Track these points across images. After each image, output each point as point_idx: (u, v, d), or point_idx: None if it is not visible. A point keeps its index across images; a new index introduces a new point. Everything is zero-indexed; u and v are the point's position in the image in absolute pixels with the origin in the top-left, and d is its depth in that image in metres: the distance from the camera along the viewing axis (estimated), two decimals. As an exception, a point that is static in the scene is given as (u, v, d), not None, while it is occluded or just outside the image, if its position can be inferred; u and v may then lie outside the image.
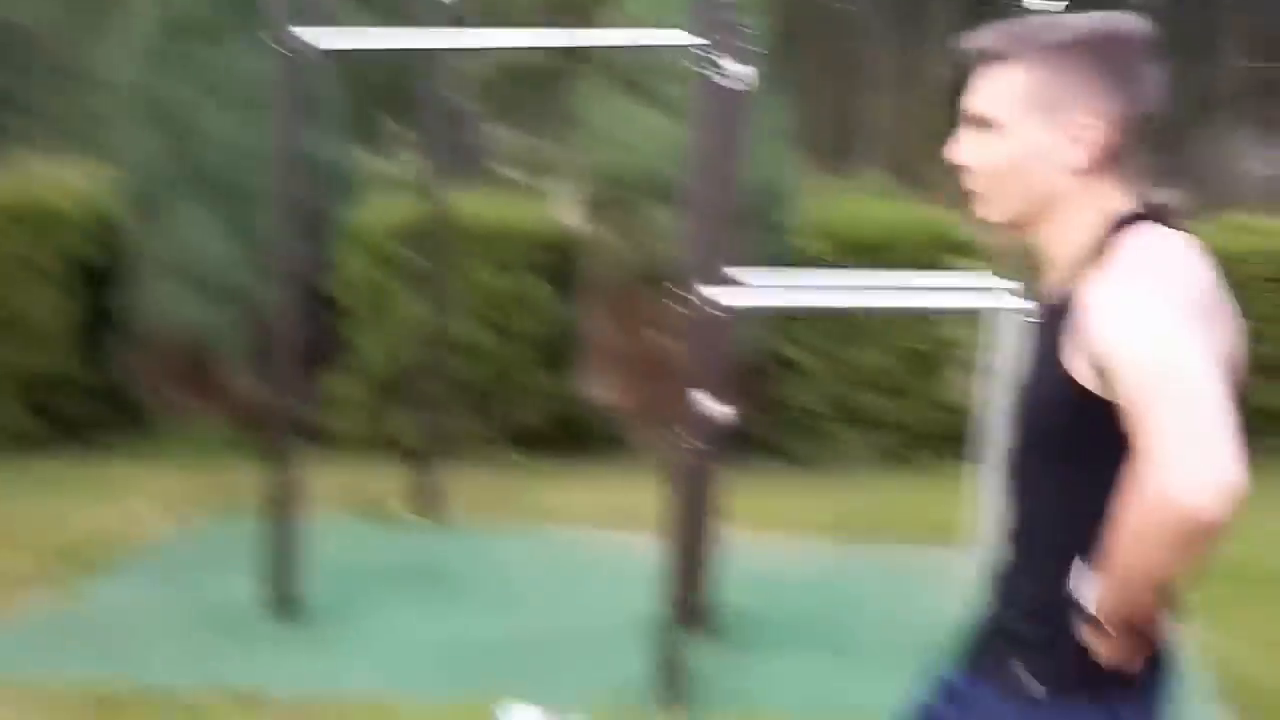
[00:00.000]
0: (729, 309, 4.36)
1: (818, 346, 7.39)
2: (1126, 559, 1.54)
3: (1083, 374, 1.61)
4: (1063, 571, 1.67)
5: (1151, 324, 1.54)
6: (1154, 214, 1.69)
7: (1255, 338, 2.02)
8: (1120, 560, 1.55)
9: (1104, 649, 1.64)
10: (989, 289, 4.63)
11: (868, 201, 7.96)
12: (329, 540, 5.23)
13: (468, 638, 4.79)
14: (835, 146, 15.89)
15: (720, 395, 4.28)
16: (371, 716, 4.06)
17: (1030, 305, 3.94)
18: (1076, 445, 1.66)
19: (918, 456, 7.35)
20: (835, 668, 4.54)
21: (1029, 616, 1.75)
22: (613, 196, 7.24)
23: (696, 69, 4.15)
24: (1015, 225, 1.79)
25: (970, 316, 7.22)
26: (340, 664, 4.51)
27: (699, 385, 4.23)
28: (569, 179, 8.18)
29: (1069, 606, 1.66)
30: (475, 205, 7.33)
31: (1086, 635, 1.64)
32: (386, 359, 7.26)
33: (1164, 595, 1.61)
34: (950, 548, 5.72)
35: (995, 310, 4.58)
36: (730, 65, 4.19)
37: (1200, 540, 1.48)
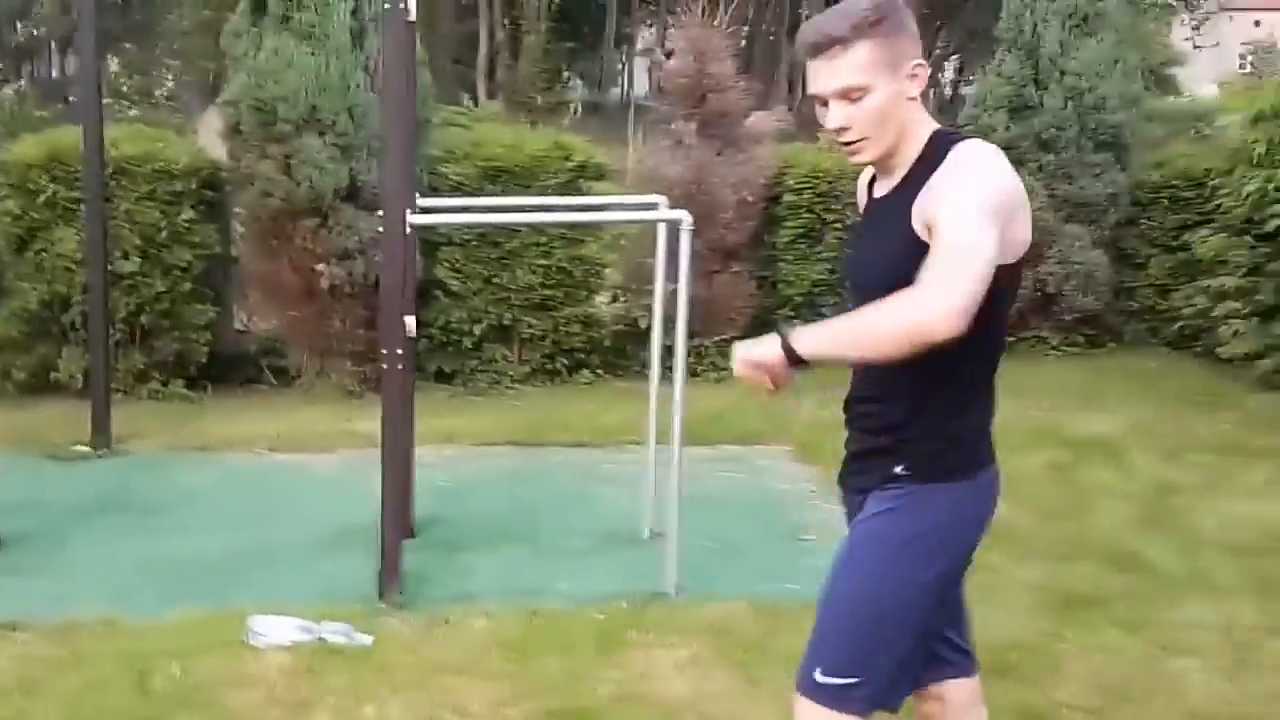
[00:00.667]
0: (425, 229, 4.58)
1: (471, 271, 7.72)
2: (864, 332, 2.13)
3: (921, 233, 2.18)
4: (903, 403, 2.32)
5: (969, 203, 2.12)
6: (948, 130, 2.32)
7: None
8: (860, 329, 2.14)
9: (779, 359, 2.21)
10: (655, 205, 5.15)
11: (503, 130, 8.34)
12: (8, 479, 5.14)
13: (179, 557, 4.86)
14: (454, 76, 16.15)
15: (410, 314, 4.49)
16: (103, 633, 4.06)
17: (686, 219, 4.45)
18: None
19: (564, 370, 7.93)
20: (528, 560, 4.92)
21: (894, 431, 2.35)
22: (261, 128, 7.21)
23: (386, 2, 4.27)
24: (886, 155, 2.31)
25: (612, 237, 7.87)
26: (54, 589, 4.50)
27: (398, 305, 4.40)
28: (215, 111, 8.05)
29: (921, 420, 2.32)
30: (122, 138, 7.17)
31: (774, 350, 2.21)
32: (43, 297, 7.03)
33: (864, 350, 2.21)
34: (616, 450, 6.33)
35: (666, 223, 5.03)
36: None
37: (912, 348, 2.07)
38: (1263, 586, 4.56)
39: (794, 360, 2.20)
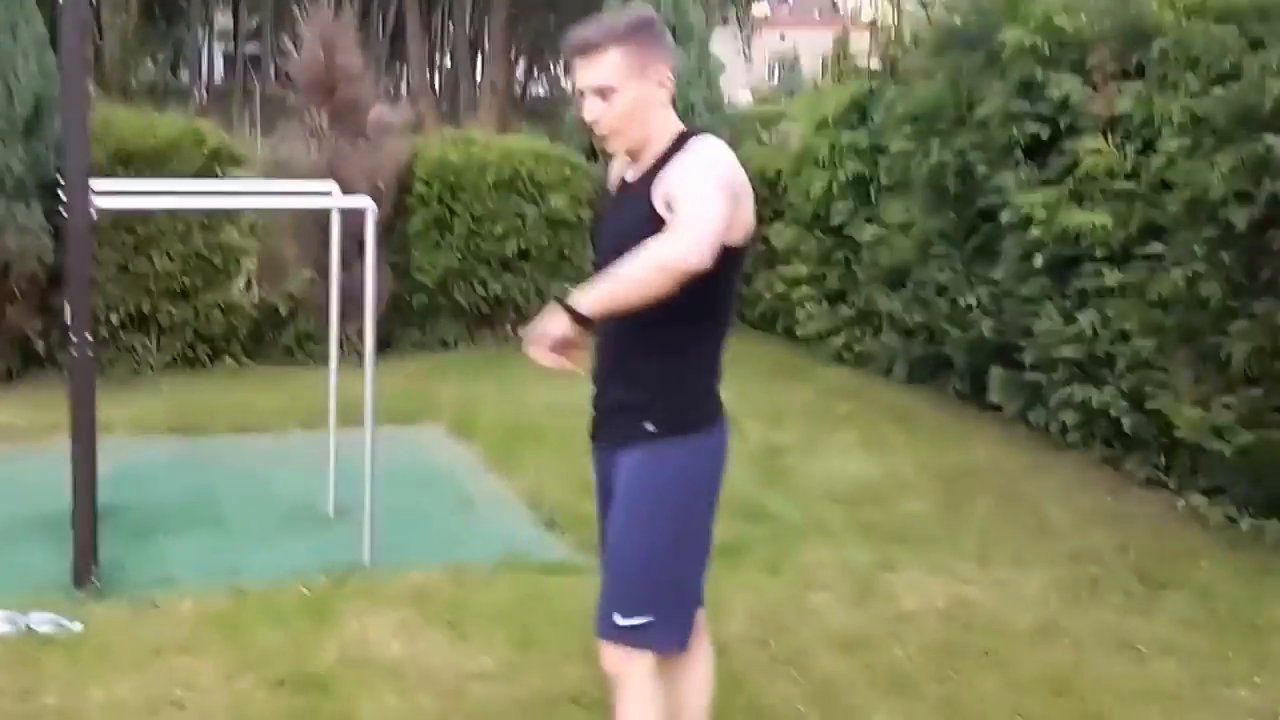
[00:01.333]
0: (106, 213, 4.52)
1: (105, 257, 7.45)
2: (630, 277, 2.45)
3: (660, 209, 2.55)
4: (651, 367, 2.67)
5: (701, 175, 2.53)
6: (691, 129, 2.72)
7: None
8: (626, 277, 2.45)
9: (566, 324, 2.51)
10: (323, 192, 5.29)
11: (131, 114, 8.04)
12: None
13: None
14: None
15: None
16: None
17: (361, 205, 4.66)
18: None
19: (206, 357, 7.87)
20: (220, 541, 5.01)
21: (640, 392, 2.71)
22: None
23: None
24: (633, 148, 2.69)
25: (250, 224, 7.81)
26: None
27: (86, 292, 4.42)
28: None
29: (656, 374, 2.67)
30: None
31: (560, 318, 2.51)
32: None
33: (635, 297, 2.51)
34: (280, 434, 6.39)
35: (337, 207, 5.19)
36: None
37: (672, 280, 2.41)
38: (866, 530, 5.32)
39: (580, 321, 2.51)
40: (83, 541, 4.36)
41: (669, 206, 2.52)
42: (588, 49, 2.65)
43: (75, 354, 4.36)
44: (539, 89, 37.67)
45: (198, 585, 4.40)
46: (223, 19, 38.53)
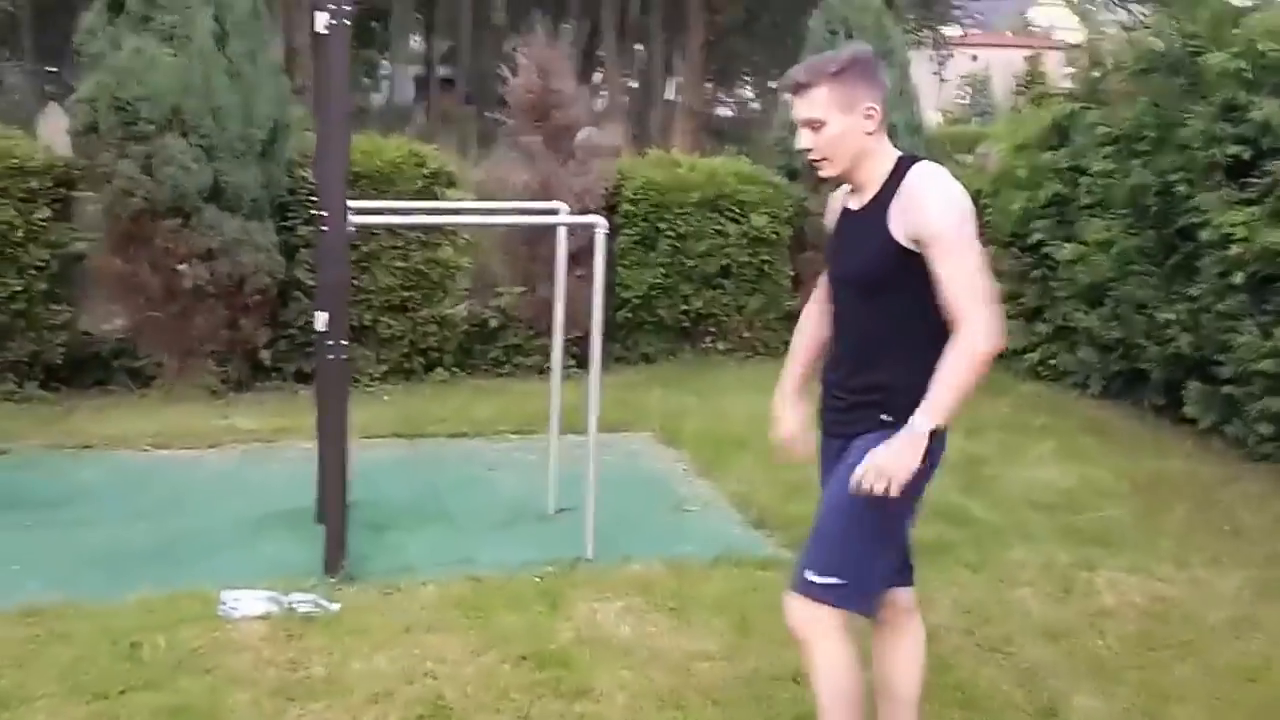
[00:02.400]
0: (360, 228, 4.95)
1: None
2: (958, 383, 2.80)
3: (903, 240, 2.88)
4: (889, 363, 2.98)
5: (950, 218, 2.84)
6: (911, 155, 3.01)
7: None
8: (957, 386, 2.80)
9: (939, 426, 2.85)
10: (553, 211, 5.74)
11: (357, 136, 8.62)
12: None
13: (106, 546, 5.08)
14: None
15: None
16: (71, 614, 4.26)
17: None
18: (896, 283, 2.92)
19: (420, 368, 8.34)
20: (451, 536, 5.40)
21: (879, 392, 3.01)
22: (121, 126, 7.23)
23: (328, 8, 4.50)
24: (845, 174, 3.01)
25: (463, 243, 8.31)
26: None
27: (343, 300, 4.79)
28: (67, 109, 7.98)
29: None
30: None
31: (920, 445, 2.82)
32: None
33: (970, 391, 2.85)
34: (495, 439, 6.85)
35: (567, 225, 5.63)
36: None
37: (990, 364, 2.78)
38: (1066, 533, 5.51)
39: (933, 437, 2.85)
40: (334, 532, 4.76)
41: (917, 242, 2.86)
42: (800, 87, 2.97)
43: (331, 358, 4.71)
44: (726, 110, 38.11)
45: (435, 574, 4.78)
46: (415, 42, 39.78)
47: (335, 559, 4.75)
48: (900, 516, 3.07)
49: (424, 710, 3.70)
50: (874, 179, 2.98)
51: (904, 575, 3.32)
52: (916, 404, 2.91)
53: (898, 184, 2.92)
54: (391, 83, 39.82)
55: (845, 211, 3.11)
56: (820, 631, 3.01)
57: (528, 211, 6.38)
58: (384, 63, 39.68)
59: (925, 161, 2.97)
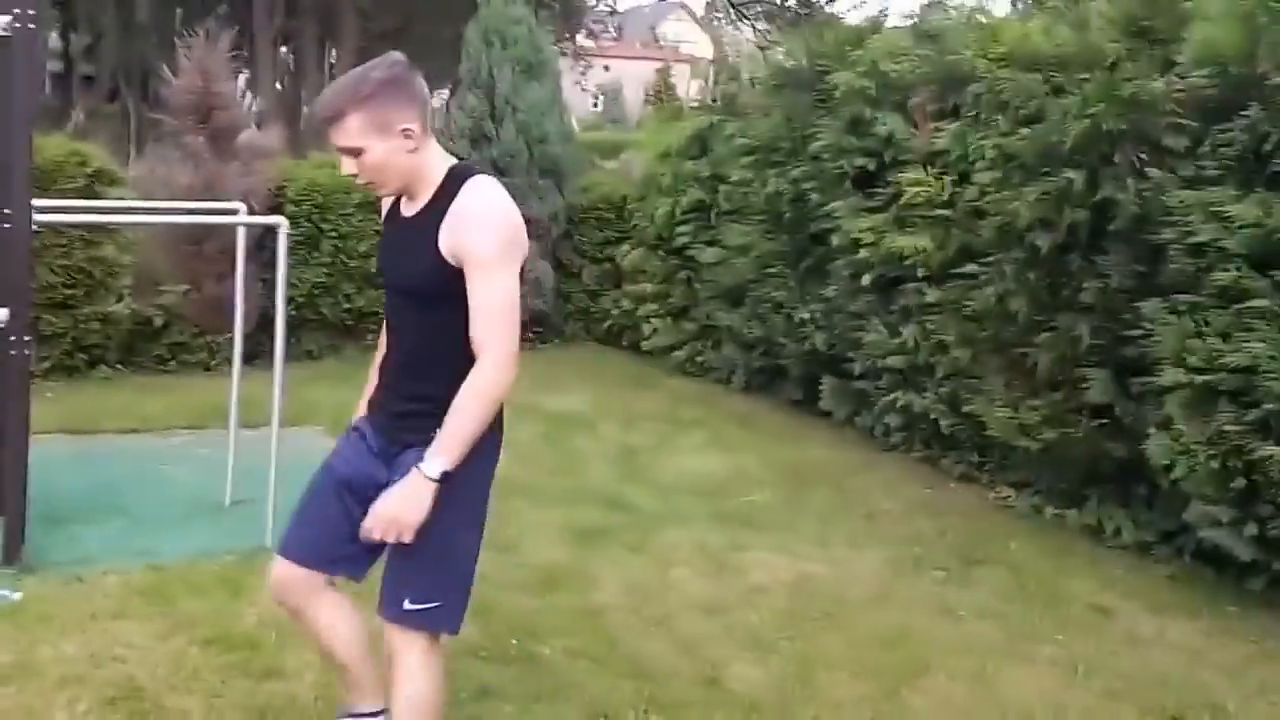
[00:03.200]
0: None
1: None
2: (469, 417, 2.74)
3: (449, 257, 2.76)
4: (439, 375, 2.83)
5: (487, 244, 2.74)
6: (463, 165, 2.90)
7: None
8: (466, 428, 2.75)
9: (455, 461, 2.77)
10: (232, 211, 5.63)
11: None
12: None
13: None
14: None
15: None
16: None
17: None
18: (447, 297, 2.79)
19: (83, 365, 8.05)
20: (129, 528, 5.25)
21: (433, 403, 2.82)
22: None
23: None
24: (399, 191, 2.89)
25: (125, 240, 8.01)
26: None
27: (26, 297, 4.59)
28: None
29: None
30: None
31: (427, 493, 2.75)
32: None
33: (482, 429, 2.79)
34: (166, 434, 6.65)
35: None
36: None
37: (506, 394, 2.77)
38: (718, 517, 5.87)
39: (443, 481, 2.77)
40: (13, 523, 4.63)
41: (457, 259, 2.77)
42: (331, 118, 2.79)
43: (14, 354, 4.54)
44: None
45: (117, 564, 4.69)
46: (52, 40, 37.36)
47: (14, 549, 4.61)
48: (480, 526, 3.02)
49: (116, 692, 3.64)
50: (425, 190, 2.87)
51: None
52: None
53: (449, 198, 2.81)
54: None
55: (399, 217, 2.96)
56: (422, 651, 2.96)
57: (205, 211, 6.21)
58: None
59: (478, 177, 2.85)
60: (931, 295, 6.73)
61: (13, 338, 4.53)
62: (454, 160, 2.90)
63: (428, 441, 2.80)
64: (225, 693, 3.71)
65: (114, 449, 6.51)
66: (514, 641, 4.22)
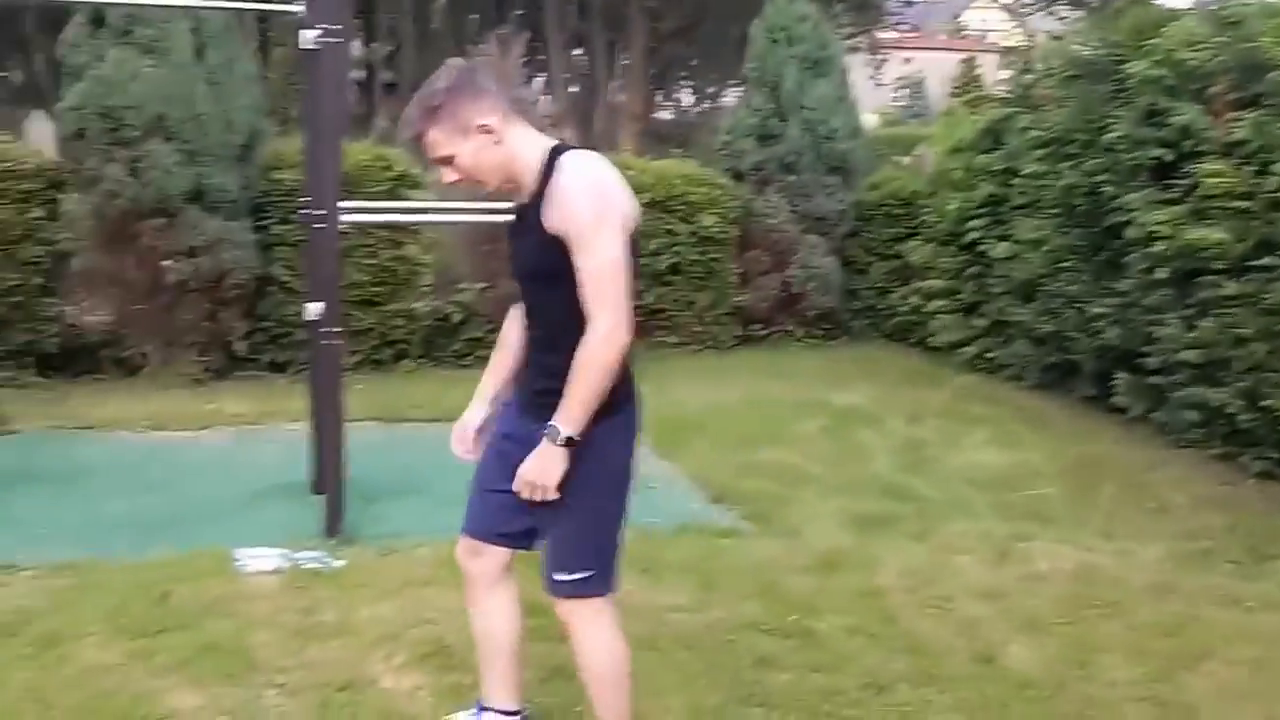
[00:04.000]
0: (354, 226, 5.36)
1: (303, 268, 8.34)
2: (587, 383, 2.85)
3: (555, 234, 2.85)
4: (567, 351, 2.90)
5: (583, 214, 2.82)
6: (563, 144, 3.00)
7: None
8: (586, 394, 2.86)
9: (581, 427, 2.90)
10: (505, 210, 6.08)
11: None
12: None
13: (121, 515, 5.46)
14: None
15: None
16: (102, 568, 4.65)
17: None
18: (557, 276, 2.89)
19: (389, 359, 8.76)
20: (435, 507, 5.52)
21: (560, 380, 2.92)
22: (107, 133, 7.65)
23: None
24: (504, 184, 3.00)
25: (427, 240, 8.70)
26: (18, 542, 4.95)
27: (335, 293, 5.15)
28: (51, 116, 8.37)
29: None
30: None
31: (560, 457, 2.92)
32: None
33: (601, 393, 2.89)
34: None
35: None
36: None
37: (620, 360, 2.85)
38: (1002, 509, 5.95)
39: (569, 445, 2.92)
40: (334, 498, 5.18)
41: (564, 236, 2.85)
42: (415, 139, 2.97)
43: (326, 344, 5.10)
44: (664, 114, 38.38)
45: (426, 538, 5.08)
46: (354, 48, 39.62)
47: (335, 523, 5.15)
48: (625, 496, 3.21)
49: (427, 650, 4.07)
50: (528, 176, 2.97)
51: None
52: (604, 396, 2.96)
53: (548, 179, 2.91)
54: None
55: (517, 208, 3.10)
56: (586, 618, 3.19)
57: (503, 212, 6.69)
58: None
59: (573, 152, 2.94)
60: (1230, 288, 6.61)
61: (326, 329, 5.05)
62: (554, 142, 3.00)
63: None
64: (536, 654, 4.02)
65: (418, 436, 6.96)
66: (793, 618, 4.44)
